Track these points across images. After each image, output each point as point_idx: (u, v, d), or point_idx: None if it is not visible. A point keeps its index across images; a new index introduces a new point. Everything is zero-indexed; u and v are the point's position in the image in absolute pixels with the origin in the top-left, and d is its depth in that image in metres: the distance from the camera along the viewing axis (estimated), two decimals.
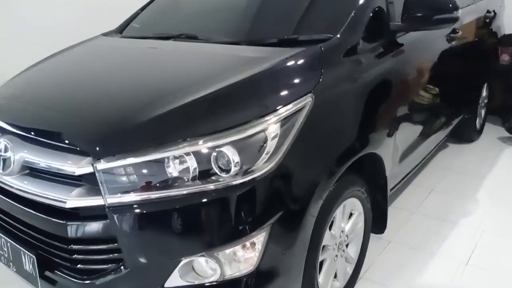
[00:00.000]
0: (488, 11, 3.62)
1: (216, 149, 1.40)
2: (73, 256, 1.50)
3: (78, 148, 1.46)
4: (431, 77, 2.57)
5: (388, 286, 2.17)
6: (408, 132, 2.37)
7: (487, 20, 3.63)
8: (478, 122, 3.84)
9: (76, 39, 2.50)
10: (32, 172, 1.59)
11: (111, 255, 1.47)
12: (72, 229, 1.46)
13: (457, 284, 2.18)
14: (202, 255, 1.43)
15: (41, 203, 1.52)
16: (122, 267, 1.44)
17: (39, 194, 1.52)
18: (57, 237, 1.51)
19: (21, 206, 1.59)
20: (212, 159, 1.40)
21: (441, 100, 2.83)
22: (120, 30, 2.63)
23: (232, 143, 1.40)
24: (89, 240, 1.47)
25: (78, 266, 1.51)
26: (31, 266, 1.58)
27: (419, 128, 2.54)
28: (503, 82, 4.21)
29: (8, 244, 1.66)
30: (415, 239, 2.52)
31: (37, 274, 1.57)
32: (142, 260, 1.43)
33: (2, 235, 1.69)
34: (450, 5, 2.05)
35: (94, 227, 1.45)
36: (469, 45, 3.22)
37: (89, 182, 1.45)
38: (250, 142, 1.44)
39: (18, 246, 1.61)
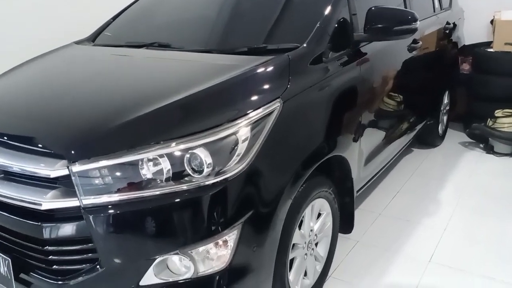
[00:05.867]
0: (448, 23, 3.83)
1: (189, 151, 1.46)
2: (49, 257, 1.53)
3: (53, 152, 1.50)
4: (394, 85, 2.72)
5: (356, 285, 2.27)
6: (372, 136, 2.49)
7: (447, 31, 3.83)
8: (440, 128, 4.03)
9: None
10: (7, 176, 1.61)
11: (86, 255, 1.51)
12: (47, 231, 1.49)
13: (420, 280, 2.29)
14: (176, 253, 1.49)
15: (16, 206, 1.55)
16: (97, 267, 1.48)
17: (14, 197, 1.54)
18: (32, 239, 1.53)
19: None
20: (185, 161, 1.46)
21: (404, 107, 2.98)
22: (93, 38, 2.66)
23: (204, 145, 1.47)
24: (65, 241, 1.50)
25: (54, 267, 1.54)
26: (6, 269, 1.59)
27: (383, 133, 2.67)
28: (464, 90, 4.43)
29: None
30: (381, 239, 2.64)
31: (12, 276, 1.58)
32: (117, 259, 1.48)
33: None
34: (409, 17, 2.19)
35: (69, 228, 1.49)
36: (429, 55, 3.40)
37: (64, 184, 1.49)
38: (222, 144, 1.51)
39: None
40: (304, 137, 1.84)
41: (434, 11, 3.60)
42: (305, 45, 1.94)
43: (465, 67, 4.54)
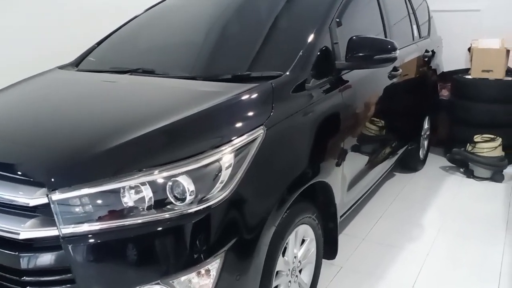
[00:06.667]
0: (427, 51, 3.94)
1: (172, 179, 1.46)
2: None
3: (32, 179, 1.47)
4: (376, 111, 2.76)
5: None
6: (355, 162, 2.52)
7: (426, 59, 3.93)
8: (421, 153, 4.09)
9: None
10: None
11: (65, 286, 1.46)
12: (25, 261, 1.45)
13: None
14: (157, 283, 1.46)
15: None
16: None
17: None
18: (9, 269, 1.49)
19: None
20: (167, 189, 1.45)
21: (386, 132, 3.03)
22: (76, 64, 2.66)
23: (187, 173, 1.47)
24: (43, 271, 1.46)
25: None
26: None
27: (365, 158, 2.70)
28: (444, 116, 4.53)
29: None
30: (365, 264, 2.64)
31: None
32: None
33: None
34: (389, 46, 2.24)
35: (48, 258, 1.45)
36: (409, 82, 3.47)
37: (43, 213, 1.46)
38: (205, 171, 1.51)
39: None
40: (288, 163, 1.85)
41: (413, 40, 3.70)
42: (288, 73, 1.98)
43: (444, 93, 4.66)
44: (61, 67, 2.62)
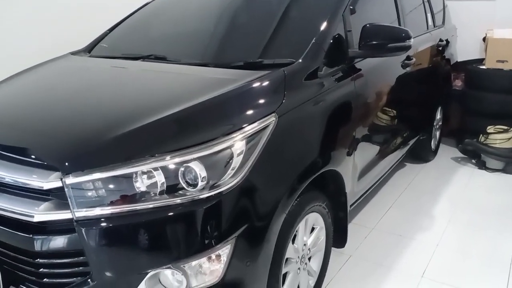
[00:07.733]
0: (441, 40, 3.88)
1: (184, 165, 1.46)
2: (39, 270, 1.51)
3: (46, 163, 1.49)
4: (388, 100, 2.74)
5: None
6: (366, 151, 2.50)
7: (440, 48, 3.88)
8: (433, 143, 4.06)
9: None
10: None
11: (77, 269, 1.49)
12: (39, 243, 1.48)
13: None
14: (169, 267, 1.48)
15: (7, 217, 1.53)
16: (89, 280, 1.47)
17: (5, 208, 1.53)
18: (23, 251, 1.52)
19: None
20: (179, 174, 1.46)
21: (397, 122, 3.01)
22: (89, 50, 2.67)
23: (199, 159, 1.47)
24: (56, 254, 1.49)
25: (44, 280, 1.52)
26: None
27: (376, 148, 2.68)
28: (456, 106, 4.47)
29: None
30: (374, 253, 2.64)
31: None
32: (109, 273, 1.46)
33: None
34: (403, 35, 2.22)
35: (61, 241, 1.47)
36: (423, 71, 3.43)
37: (57, 197, 1.48)
38: (217, 158, 1.51)
39: None
40: (299, 151, 1.84)
41: (427, 28, 3.65)
42: (300, 60, 1.96)
43: (458, 83, 4.59)
44: (74, 53, 2.63)
